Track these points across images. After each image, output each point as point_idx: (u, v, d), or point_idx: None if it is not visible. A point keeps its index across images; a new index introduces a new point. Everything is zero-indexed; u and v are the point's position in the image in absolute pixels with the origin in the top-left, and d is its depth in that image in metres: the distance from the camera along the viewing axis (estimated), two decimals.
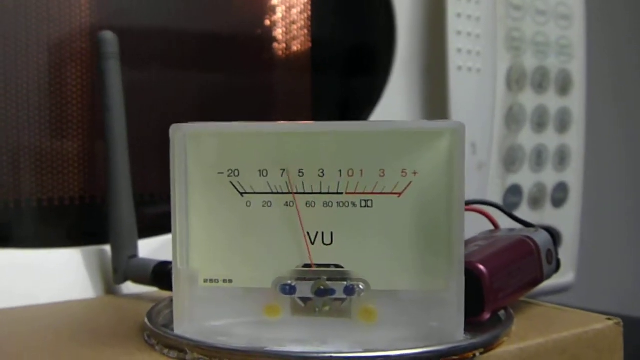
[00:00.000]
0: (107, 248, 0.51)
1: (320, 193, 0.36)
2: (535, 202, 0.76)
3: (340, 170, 0.35)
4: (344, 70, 0.68)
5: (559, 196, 0.79)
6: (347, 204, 0.36)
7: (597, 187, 0.82)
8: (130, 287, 0.50)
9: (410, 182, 0.35)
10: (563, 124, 0.78)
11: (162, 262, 0.47)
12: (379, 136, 0.35)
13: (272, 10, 0.64)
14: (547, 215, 0.78)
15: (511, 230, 0.46)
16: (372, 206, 0.35)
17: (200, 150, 0.36)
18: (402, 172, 0.35)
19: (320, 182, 0.36)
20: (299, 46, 0.65)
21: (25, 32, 0.52)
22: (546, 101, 0.76)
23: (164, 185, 0.51)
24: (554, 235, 0.45)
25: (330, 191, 0.36)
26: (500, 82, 0.71)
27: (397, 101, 0.67)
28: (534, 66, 0.74)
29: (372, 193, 0.35)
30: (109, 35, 0.49)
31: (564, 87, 0.78)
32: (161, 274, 0.47)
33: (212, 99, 0.62)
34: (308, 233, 0.36)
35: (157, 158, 0.57)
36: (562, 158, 0.79)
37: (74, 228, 0.54)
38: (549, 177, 0.78)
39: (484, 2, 0.68)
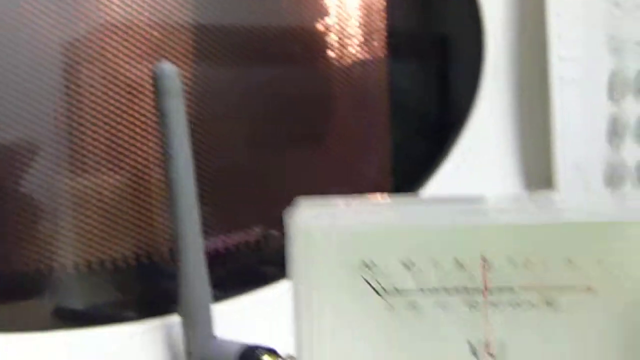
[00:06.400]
0: (175, 320, 0.42)
1: (486, 290, 0.27)
2: None
3: (510, 259, 0.27)
4: (425, 88, 0.59)
5: None
6: (522, 304, 0.27)
7: None
8: None
9: (610, 276, 0.26)
10: None
11: (248, 348, 0.39)
12: (562, 227, 0.27)
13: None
14: None
15: None
16: (556, 307, 0.27)
17: (325, 239, 0.27)
18: (598, 263, 0.26)
19: (485, 275, 0.27)
20: (376, 54, 0.56)
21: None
22: None
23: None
24: None
25: (499, 286, 0.27)
26: (602, 90, 0.62)
27: (488, 119, 0.58)
28: (636, 70, 0.65)
29: (556, 290, 0.27)
30: (168, 69, 0.40)
31: None
32: None
33: (278, 105, 0.53)
34: (470, 343, 0.27)
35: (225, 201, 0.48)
36: None
37: (132, 296, 0.45)
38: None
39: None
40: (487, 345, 0.27)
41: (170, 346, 0.43)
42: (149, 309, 0.45)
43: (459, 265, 0.27)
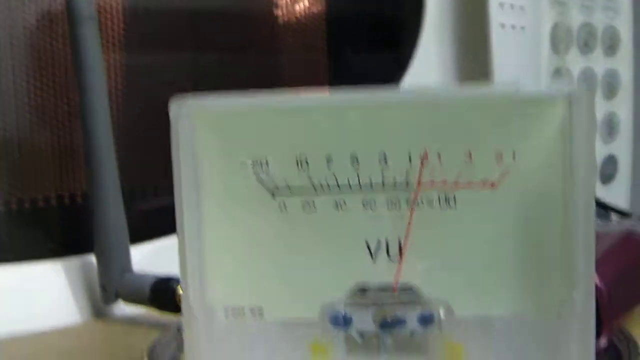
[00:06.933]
0: (93, 259, 0.41)
1: (383, 188, 0.26)
2: None
3: (409, 155, 0.25)
4: (363, 28, 0.57)
5: (608, 171, 0.70)
6: (420, 202, 0.26)
7: None
8: (123, 307, 0.40)
9: (509, 170, 0.25)
10: (610, 89, 0.68)
11: (161, 279, 0.37)
12: (461, 108, 0.25)
13: None
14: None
15: (604, 223, 0.37)
16: (455, 203, 0.26)
17: (213, 133, 0.26)
18: (497, 155, 0.25)
19: (382, 172, 0.26)
20: (310, 10, 0.55)
21: None
22: (593, 63, 0.66)
23: (157, 178, 0.42)
24: None
25: (397, 184, 0.26)
26: (545, 41, 0.61)
27: (428, 67, 0.57)
28: (579, 23, 0.64)
29: (454, 186, 0.25)
30: None
31: (611, 46, 0.68)
32: (161, 293, 0.37)
33: (212, 80, 0.51)
34: (367, 243, 0.26)
35: (147, 143, 0.47)
36: (610, 128, 0.69)
37: (51, 236, 0.44)
38: (597, 150, 0.68)
39: None
40: (384, 245, 0.26)
41: (87, 282, 0.41)
42: (69, 248, 0.43)
43: (355, 161, 0.26)
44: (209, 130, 0.26)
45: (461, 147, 0.25)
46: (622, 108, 0.69)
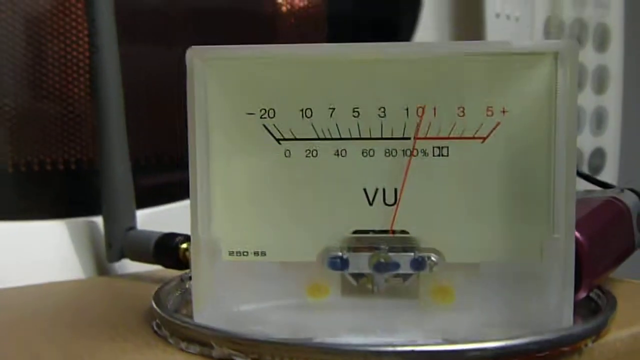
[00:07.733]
0: (99, 220, 0.43)
1: (381, 138, 0.28)
2: None
3: (407, 109, 0.27)
4: (362, 15, 0.59)
5: (596, 163, 0.72)
6: (415, 153, 0.28)
7: (636, 153, 0.75)
8: (127, 266, 0.42)
9: (498, 124, 0.27)
10: (600, 83, 0.71)
11: (166, 234, 0.39)
12: (456, 63, 0.27)
13: None
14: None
15: (588, 192, 0.38)
16: (448, 155, 0.27)
17: (225, 82, 0.27)
18: (488, 110, 0.27)
19: (381, 124, 0.27)
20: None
21: None
22: (583, 58, 0.68)
23: (166, 146, 0.44)
24: None
25: (395, 136, 0.28)
26: (539, 32, 0.63)
27: None
28: (571, 18, 0.66)
29: (448, 138, 0.27)
30: None
31: (602, 42, 0.70)
32: (166, 249, 0.38)
33: None
34: (365, 190, 0.28)
35: (158, 112, 0.48)
36: (599, 121, 0.71)
37: (58, 197, 0.45)
38: (586, 143, 0.70)
39: None
40: (381, 192, 0.28)
41: (91, 242, 0.43)
42: (73, 211, 0.45)
43: (356, 114, 0.27)
44: (220, 79, 0.27)
45: (455, 103, 0.27)
46: (611, 103, 0.72)
